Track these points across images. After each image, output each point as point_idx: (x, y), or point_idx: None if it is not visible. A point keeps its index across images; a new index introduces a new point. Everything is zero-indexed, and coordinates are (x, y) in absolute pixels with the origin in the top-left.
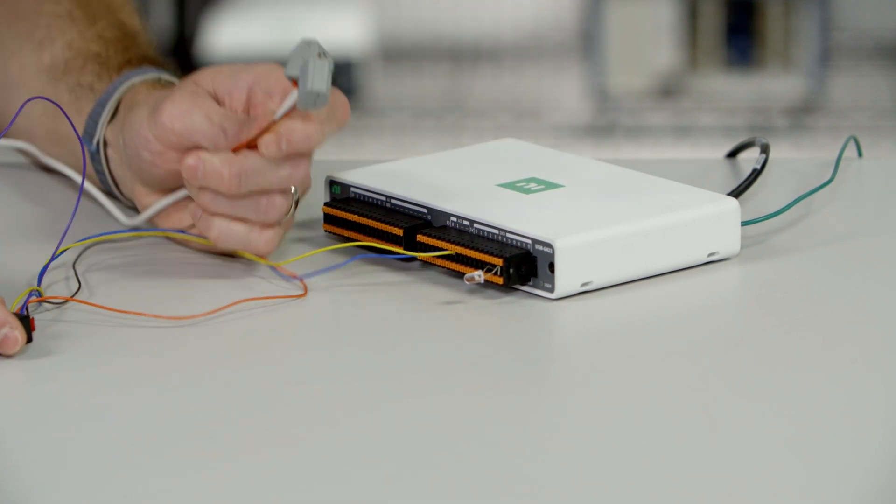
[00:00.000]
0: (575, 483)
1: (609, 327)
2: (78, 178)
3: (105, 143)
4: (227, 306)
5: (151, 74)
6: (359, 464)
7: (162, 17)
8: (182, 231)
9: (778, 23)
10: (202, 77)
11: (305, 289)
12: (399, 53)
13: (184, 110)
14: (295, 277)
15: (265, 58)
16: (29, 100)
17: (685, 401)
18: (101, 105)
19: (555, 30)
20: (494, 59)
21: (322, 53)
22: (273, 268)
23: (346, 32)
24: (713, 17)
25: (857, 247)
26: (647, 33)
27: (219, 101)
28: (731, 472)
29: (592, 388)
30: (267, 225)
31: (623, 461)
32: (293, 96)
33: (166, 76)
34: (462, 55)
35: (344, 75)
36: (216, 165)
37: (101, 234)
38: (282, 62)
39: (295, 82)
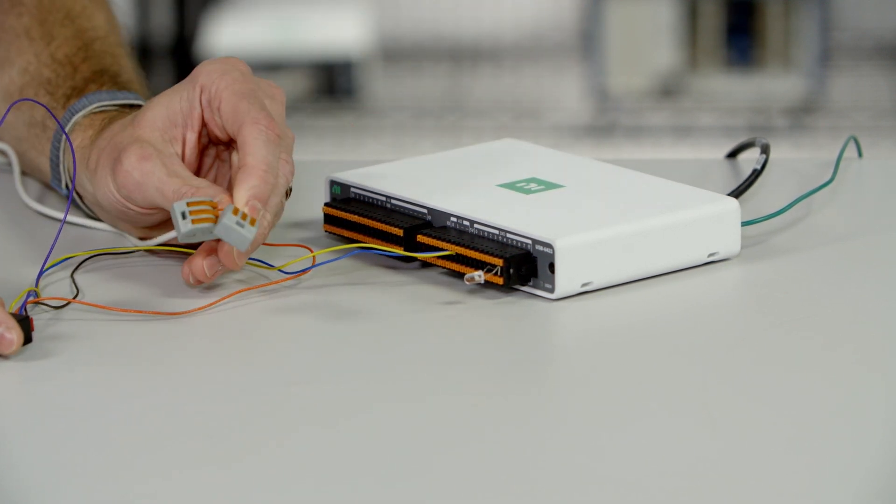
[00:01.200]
0: (575, 483)
1: (609, 327)
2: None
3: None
4: (219, 300)
5: (93, 105)
6: (358, 464)
7: (162, 17)
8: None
9: (778, 23)
10: (154, 108)
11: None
12: (399, 53)
13: (136, 182)
14: (293, 274)
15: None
16: (15, 102)
17: (685, 401)
18: (55, 148)
19: (555, 30)
20: (494, 59)
21: (185, 213)
22: (267, 261)
23: (346, 32)
24: (713, 17)
25: (857, 247)
26: (647, 33)
27: (178, 127)
28: (731, 472)
29: (592, 388)
30: None
31: (623, 461)
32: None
33: (105, 99)
34: (462, 55)
35: (344, 75)
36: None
37: (107, 250)
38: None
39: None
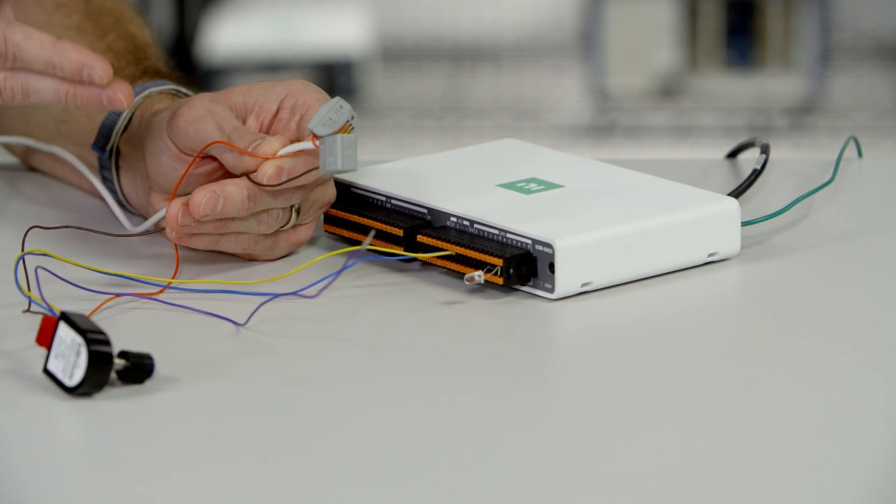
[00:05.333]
0: (575, 483)
1: (609, 327)
2: (78, 165)
3: (118, 153)
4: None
5: (169, 86)
6: (359, 464)
7: (162, 17)
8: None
9: (778, 23)
10: (233, 89)
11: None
12: (399, 53)
13: (199, 115)
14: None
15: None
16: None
17: (685, 401)
18: (116, 113)
19: (555, 30)
20: (494, 59)
21: (350, 121)
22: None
23: (346, 32)
24: (713, 17)
25: (857, 247)
26: (647, 33)
27: (247, 112)
28: (731, 472)
29: (592, 388)
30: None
31: (623, 461)
32: (306, 145)
33: (183, 90)
34: (462, 55)
35: (344, 75)
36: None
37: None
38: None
39: (314, 136)
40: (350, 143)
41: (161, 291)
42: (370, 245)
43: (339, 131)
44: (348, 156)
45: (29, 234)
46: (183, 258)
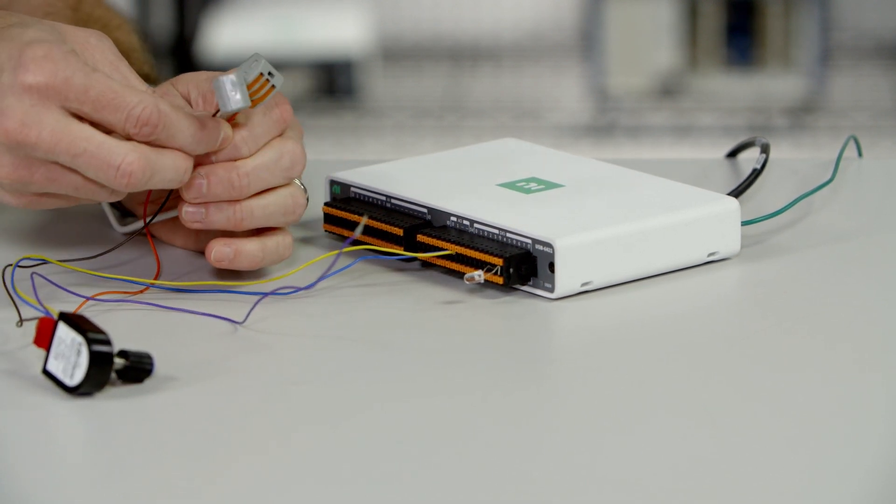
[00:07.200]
0: (575, 483)
1: (609, 327)
2: None
3: None
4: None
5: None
6: (358, 463)
7: (162, 17)
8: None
9: (778, 23)
10: (180, 79)
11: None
12: (399, 53)
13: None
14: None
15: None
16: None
17: (685, 400)
18: None
19: (555, 30)
20: (494, 59)
21: (271, 73)
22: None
23: (346, 32)
24: (713, 17)
25: (857, 247)
26: (647, 33)
27: (193, 104)
28: (731, 472)
29: (592, 388)
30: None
31: (623, 461)
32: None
33: None
34: (462, 55)
35: (344, 75)
36: (221, 175)
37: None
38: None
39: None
40: (227, 84)
41: (144, 290)
42: (369, 246)
43: (254, 85)
44: (227, 97)
45: (20, 233)
46: (181, 258)
